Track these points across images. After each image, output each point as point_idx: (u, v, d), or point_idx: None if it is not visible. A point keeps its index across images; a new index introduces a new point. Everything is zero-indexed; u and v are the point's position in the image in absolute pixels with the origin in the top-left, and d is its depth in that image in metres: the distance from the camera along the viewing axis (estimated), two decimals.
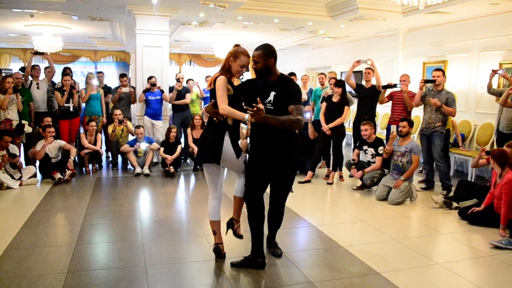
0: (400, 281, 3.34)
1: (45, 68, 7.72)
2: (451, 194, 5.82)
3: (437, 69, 6.24)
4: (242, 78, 3.78)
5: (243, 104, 3.32)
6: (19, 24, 10.40)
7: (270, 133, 3.37)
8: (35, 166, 6.64)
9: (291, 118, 3.28)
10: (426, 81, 6.16)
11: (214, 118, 3.44)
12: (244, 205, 3.59)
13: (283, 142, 3.43)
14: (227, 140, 3.44)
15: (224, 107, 3.29)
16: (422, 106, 6.44)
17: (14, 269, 3.42)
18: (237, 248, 3.82)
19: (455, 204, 5.34)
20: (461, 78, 8.02)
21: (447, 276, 3.52)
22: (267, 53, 3.37)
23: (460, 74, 8.06)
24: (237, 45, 3.53)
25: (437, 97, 6.04)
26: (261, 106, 3.07)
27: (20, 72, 7.73)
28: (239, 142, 3.66)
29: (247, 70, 3.59)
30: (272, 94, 3.40)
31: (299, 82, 8.33)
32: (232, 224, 3.79)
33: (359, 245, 4.16)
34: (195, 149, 7.13)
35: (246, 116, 3.12)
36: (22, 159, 6.66)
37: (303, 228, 4.69)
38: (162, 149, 7.22)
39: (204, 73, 12.74)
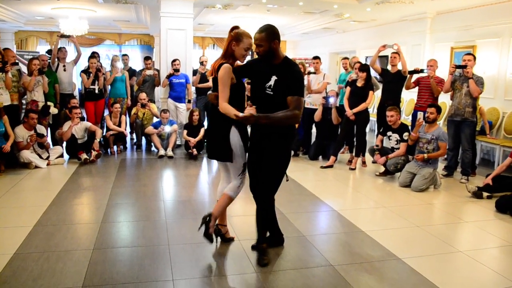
0: (421, 267, 3.32)
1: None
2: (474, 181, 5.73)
3: (468, 54, 6.10)
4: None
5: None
6: (45, 7, 10.53)
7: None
8: (62, 146, 6.80)
9: (286, 114, 3.05)
10: (458, 67, 6.03)
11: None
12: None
13: (275, 131, 3.17)
14: (235, 134, 3.25)
15: (221, 103, 3.12)
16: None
17: (43, 245, 3.53)
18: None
19: (485, 194, 5.25)
20: (491, 64, 7.79)
21: (470, 264, 3.49)
22: (271, 35, 3.12)
23: (489, 59, 7.83)
24: (235, 27, 3.28)
25: (466, 82, 5.92)
26: (252, 111, 2.84)
27: (46, 54, 7.87)
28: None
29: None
30: (273, 78, 3.14)
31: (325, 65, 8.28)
32: (208, 220, 3.36)
33: (381, 230, 4.14)
34: None
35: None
36: (49, 140, 6.82)
37: (325, 213, 4.69)
38: (185, 131, 7.28)
39: None
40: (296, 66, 3.24)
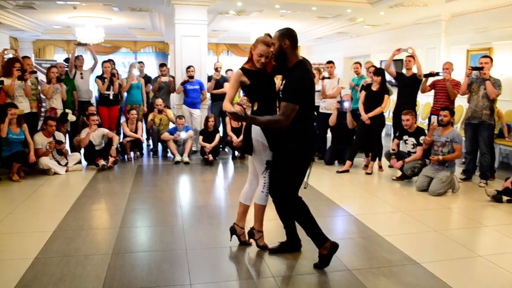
0: (440, 272, 3.28)
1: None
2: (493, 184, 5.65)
3: (485, 56, 6.04)
4: None
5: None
6: (62, 16, 10.72)
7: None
8: (80, 153, 6.89)
9: (269, 119, 3.08)
10: (474, 68, 5.96)
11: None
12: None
13: (287, 132, 3.17)
14: (256, 130, 3.32)
15: (225, 101, 3.32)
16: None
17: (63, 249, 3.58)
18: (273, 234, 3.85)
19: (505, 198, 5.17)
20: (508, 66, 7.69)
21: (490, 268, 3.43)
22: (283, 34, 3.16)
23: (506, 61, 7.73)
24: (265, 35, 3.37)
25: (483, 85, 5.86)
26: (237, 108, 2.89)
27: (63, 62, 8.01)
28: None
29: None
30: (284, 82, 3.21)
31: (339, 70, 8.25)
32: (252, 234, 3.65)
33: (399, 235, 4.11)
34: (234, 137, 7.24)
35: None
36: (67, 146, 6.92)
37: (341, 217, 4.67)
38: (201, 137, 7.33)
39: (242, 63, 12.75)
40: (298, 71, 3.14)
